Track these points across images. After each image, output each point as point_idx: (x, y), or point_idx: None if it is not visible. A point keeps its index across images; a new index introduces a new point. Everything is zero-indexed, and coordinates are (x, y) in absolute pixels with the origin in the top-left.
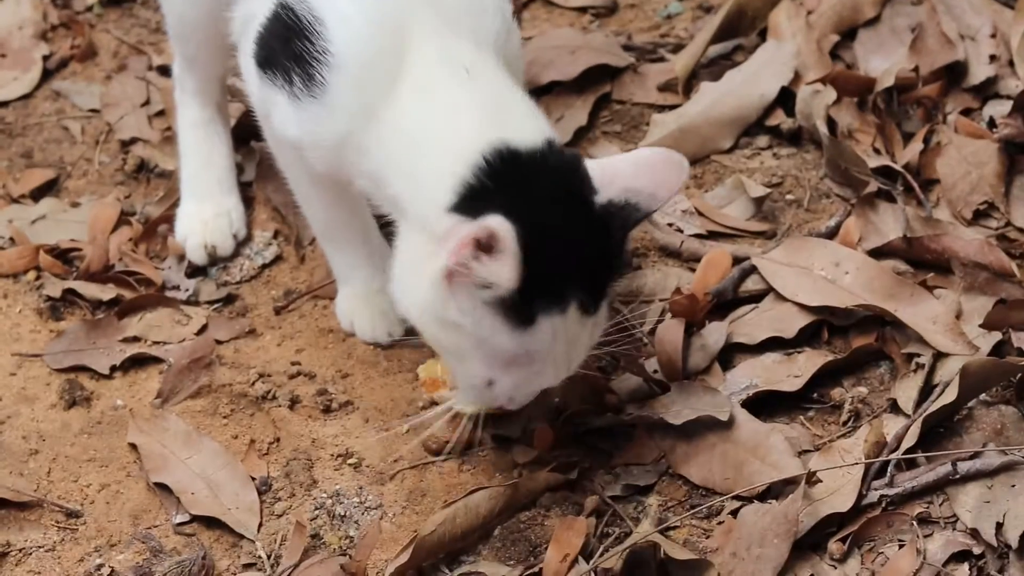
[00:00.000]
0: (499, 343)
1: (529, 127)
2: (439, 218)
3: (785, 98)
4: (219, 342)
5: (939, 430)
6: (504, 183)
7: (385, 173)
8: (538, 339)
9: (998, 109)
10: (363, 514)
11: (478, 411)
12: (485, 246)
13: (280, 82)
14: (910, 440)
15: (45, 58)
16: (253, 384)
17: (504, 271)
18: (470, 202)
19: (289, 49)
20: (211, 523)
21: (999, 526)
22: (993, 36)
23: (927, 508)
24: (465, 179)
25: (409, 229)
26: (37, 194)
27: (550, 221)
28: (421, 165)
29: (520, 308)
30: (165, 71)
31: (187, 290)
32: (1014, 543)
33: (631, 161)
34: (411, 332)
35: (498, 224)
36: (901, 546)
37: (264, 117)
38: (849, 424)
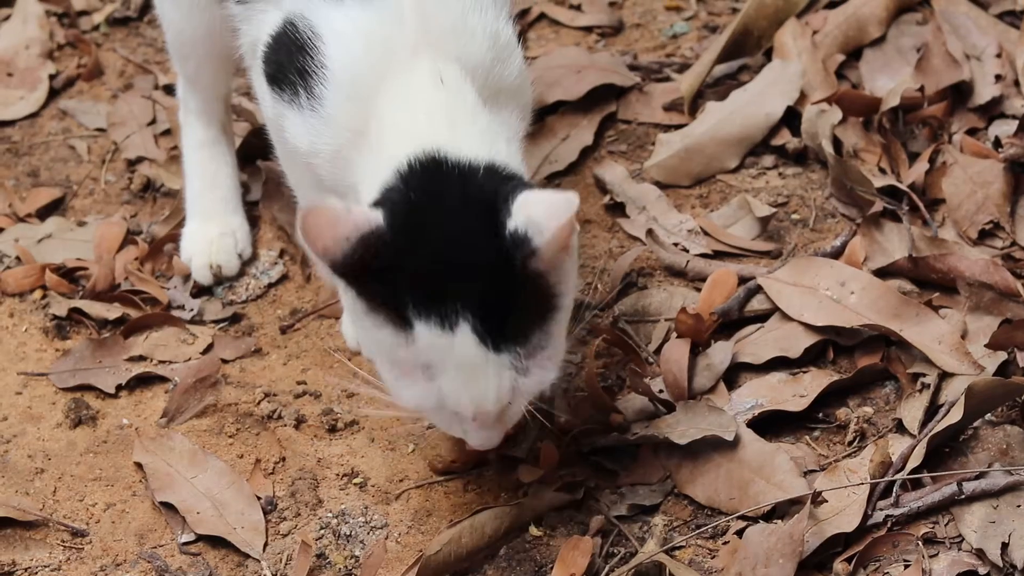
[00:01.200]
0: (379, 342)
1: (474, 145)
2: None
3: (791, 118)
4: (225, 361)
5: (945, 450)
6: (414, 188)
7: (360, 185)
8: (420, 348)
9: (1003, 129)
10: (368, 534)
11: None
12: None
13: (289, 96)
14: (916, 460)
15: (51, 77)
16: (259, 403)
17: (314, 250)
18: (380, 200)
19: (294, 64)
20: (216, 542)
21: (1004, 546)
22: (999, 56)
23: (932, 528)
24: (387, 180)
25: None
26: (43, 213)
27: (441, 234)
28: (370, 167)
29: (388, 306)
30: (171, 90)
31: (192, 309)
32: (1019, 563)
33: (545, 196)
34: None
35: (334, 202)
36: (907, 566)
37: (277, 132)
38: (855, 444)
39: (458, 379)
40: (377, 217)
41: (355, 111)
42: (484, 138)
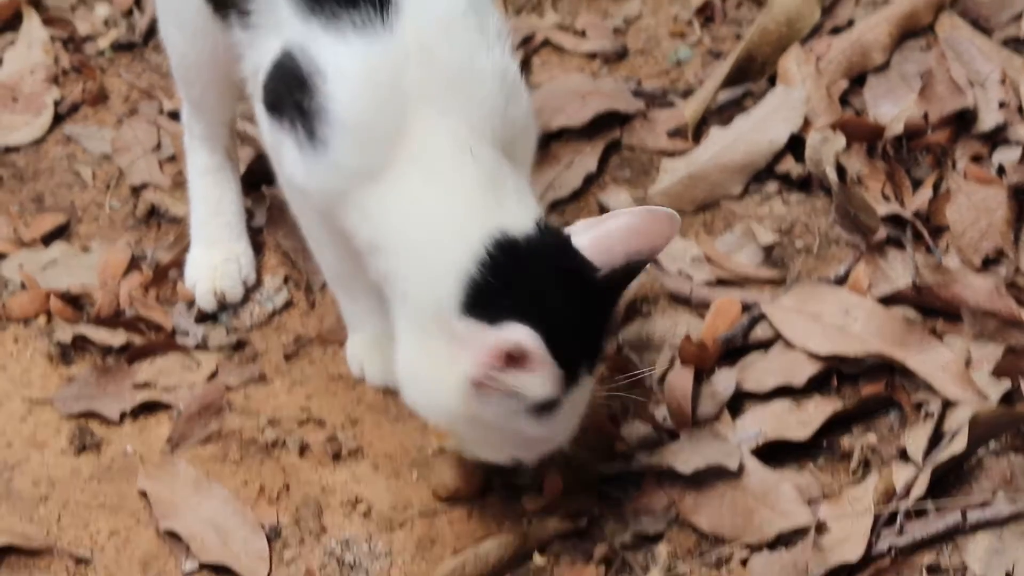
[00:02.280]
0: (527, 432)
1: (522, 210)
2: (453, 319)
3: (795, 144)
4: (229, 388)
5: (949, 479)
6: (509, 279)
7: (385, 244)
8: (560, 418)
9: (1007, 156)
10: (372, 562)
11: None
12: (514, 359)
13: (287, 127)
14: (920, 489)
15: (56, 102)
16: (263, 430)
17: (545, 384)
18: (482, 303)
19: (294, 98)
20: (220, 570)
21: (1009, 575)
22: (1003, 82)
23: (937, 557)
24: (471, 274)
25: (415, 321)
26: (48, 239)
27: (558, 311)
28: (424, 250)
29: (549, 403)
30: (176, 116)
31: (196, 336)
32: None
33: (622, 228)
34: None
35: (525, 337)
36: None
37: (277, 160)
38: (858, 472)
39: (575, 412)
40: (534, 337)
41: (365, 159)
42: (521, 199)
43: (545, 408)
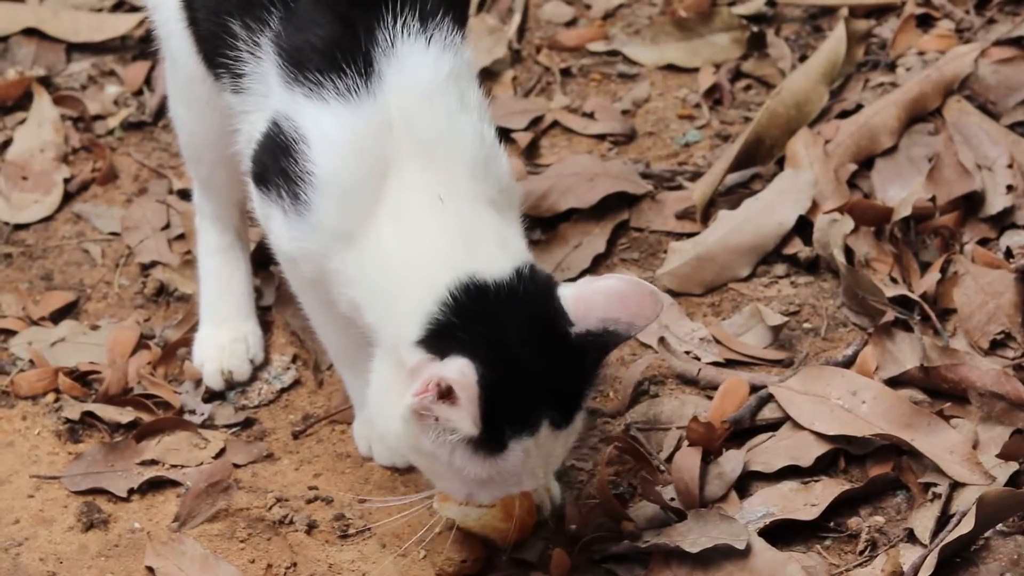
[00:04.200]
0: (471, 471)
1: (499, 257)
2: (408, 351)
3: (803, 227)
4: (237, 466)
5: (956, 560)
6: (470, 319)
7: (362, 299)
8: (510, 462)
9: (1015, 239)
10: None
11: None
12: (444, 393)
13: (273, 197)
14: (927, 570)
15: (66, 181)
16: (271, 508)
17: (464, 420)
18: (437, 338)
19: (278, 165)
20: None
21: None
22: (1010, 166)
23: None
24: (432, 314)
25: (383, 356)
26: (57, 316)
27: (517, 355)
28: (393, 295)
29: (489, 440)
30: (185, 195)
31: (204, 414)
32: None
33: (603, 291)
34: None
35: (456, 373)
36: None
37: (267, 233)
38: (866, 553)
39: (536, 464)
40: (473, 367)
41: (346, 221)
42: (502, 247)
43: (486, 448)
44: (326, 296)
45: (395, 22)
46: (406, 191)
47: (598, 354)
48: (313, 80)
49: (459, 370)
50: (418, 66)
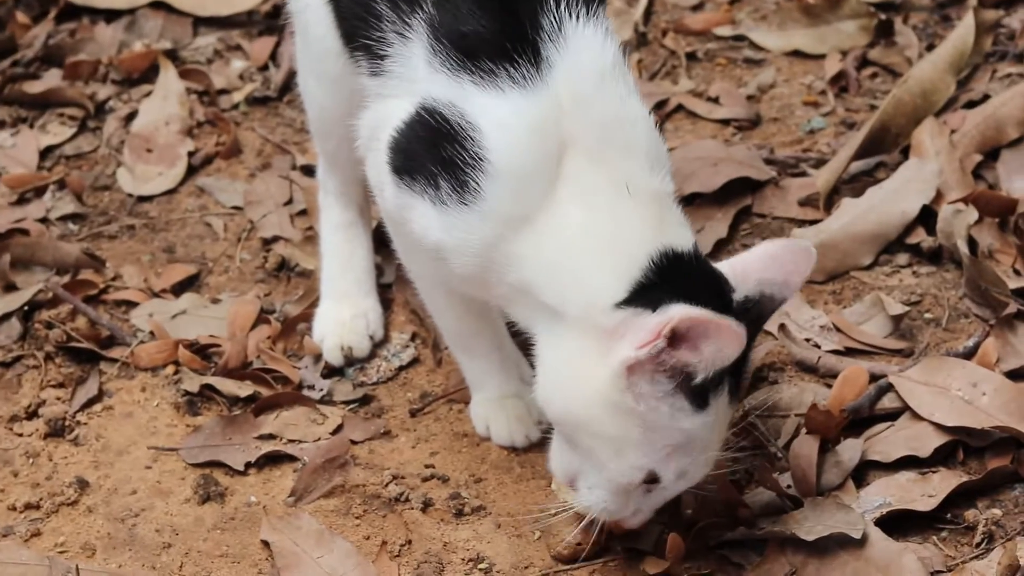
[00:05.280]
0: (675, 426)
1: (683, 233)
2: (607, 315)
3: (926, 216)
4: (354, 442)
5: None
6: (670, 280)
7: (538, 280)
8: (707, 421)
9: None
10: None
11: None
12: (679, 336)
13: (420, 187)
14: None
15: (190, 154)
16: (386, 485)
17: (732, 343)
18: (641, 296)
19: (436, 154)
20: None
21: None
22: None
23: None
24: (636, 278)
25: (565, 332)
26: (178, 289)
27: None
28: (586, 269)
29: (698, 391)
30: (308, 171)
31: (322, 390)
32: None
33: (759, 255)
34: (548, 434)
35: (689, 310)
36: None
37: (397, 224)
38: (983, 546)
39: (715, 439)
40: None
41: (523, 205)
42: (683, 223)
43: (695, 401)
44: (460, 284)
45: (559, 7)
46: (587, 173)
47: (758, 320)
48: (485, 69)
49: (686, 310)
50: (587, 51)
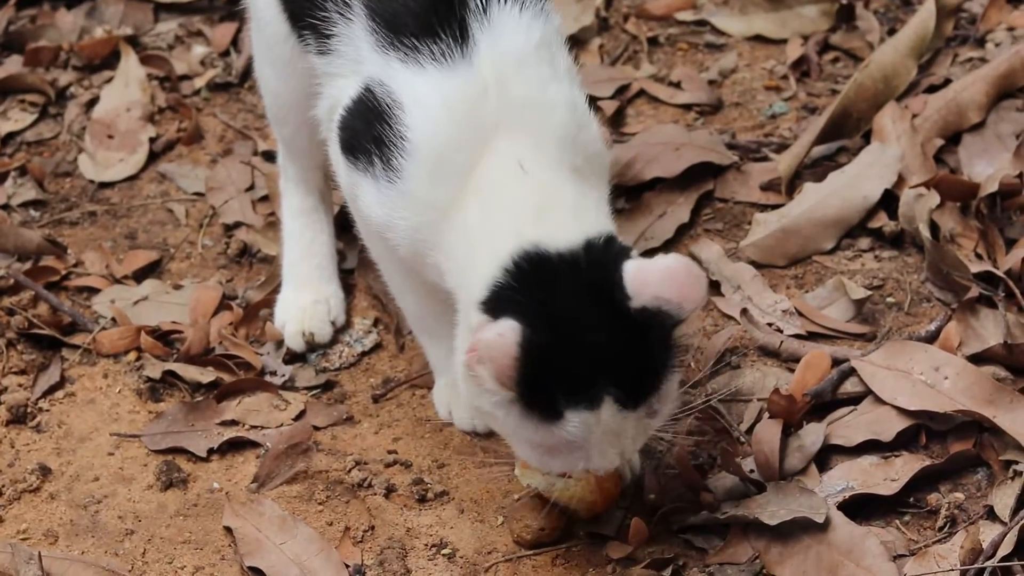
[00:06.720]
0: (527, 436)
1: (569, 226)
2: (474, 314)
3: (888, 201)
4: (316, 428)
5: None
6: (528, 286)
7: (445, 265)
8: (568, 431)
9: None
10: None
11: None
12: (481, 355)
13: (363, 165)
14: (1006, 548)
15: (152, 140)
16: (349, 471)
17: (489, 380)
18: (495, 302)
19: (370, 132)
20: None
21: None
22: None
23: None
24: (495, 278)
25: (462, 324)
26: (140, 275)
27: (572, 324)
28: (469, 260)
29: (541, 406)
30: (270, 156)
31: (284, 376)
32: None
33: (659, 269)
34: None
35: (492, 333)
36: None
37: (352, 202)
38: (945, 530)
39: (603, 443)
40: (518, 328)
41: (439, 189)
42: (576, 217)
43: (539, 413)
44: (408, 264)
45: None
46: (494, 159)
47: (659, 333)
48: (408, 45)
49: (496, 330)
50: (510, 31)
